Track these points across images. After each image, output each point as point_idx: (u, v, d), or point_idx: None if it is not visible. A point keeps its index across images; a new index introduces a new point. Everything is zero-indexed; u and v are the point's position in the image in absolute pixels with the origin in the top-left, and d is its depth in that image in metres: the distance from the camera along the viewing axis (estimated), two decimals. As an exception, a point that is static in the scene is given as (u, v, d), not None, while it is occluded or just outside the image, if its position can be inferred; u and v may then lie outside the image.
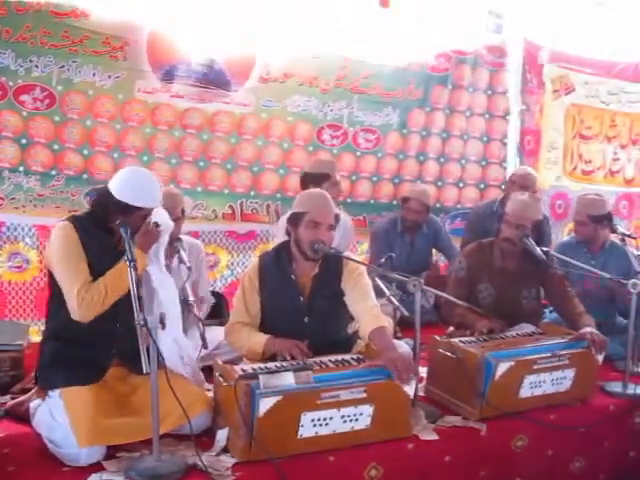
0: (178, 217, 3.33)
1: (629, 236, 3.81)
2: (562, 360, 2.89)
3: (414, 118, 5.35)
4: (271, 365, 2.59)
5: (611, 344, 3.12)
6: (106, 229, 2.58)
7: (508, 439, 2.81)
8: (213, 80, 4.58)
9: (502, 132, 5.69)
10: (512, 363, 2.76)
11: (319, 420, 2.36)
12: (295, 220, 2.87)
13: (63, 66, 4.15)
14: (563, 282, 3.47)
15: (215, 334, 3.26)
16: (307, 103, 4.92)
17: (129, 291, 2.22)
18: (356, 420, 2.44)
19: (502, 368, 2.73)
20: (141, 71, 4.37)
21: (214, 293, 4.00)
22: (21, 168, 4.16)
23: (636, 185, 6.37)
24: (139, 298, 2.22)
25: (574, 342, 3.01)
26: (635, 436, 3.13)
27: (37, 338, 3.54)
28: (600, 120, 6.09)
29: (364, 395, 2.41)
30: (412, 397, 2.61)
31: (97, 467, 2.29)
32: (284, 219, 3.13)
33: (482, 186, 5.69)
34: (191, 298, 3.04)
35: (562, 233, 5.86)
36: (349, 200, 5.20)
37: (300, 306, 2.89)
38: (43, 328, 2.99)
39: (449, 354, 2.91)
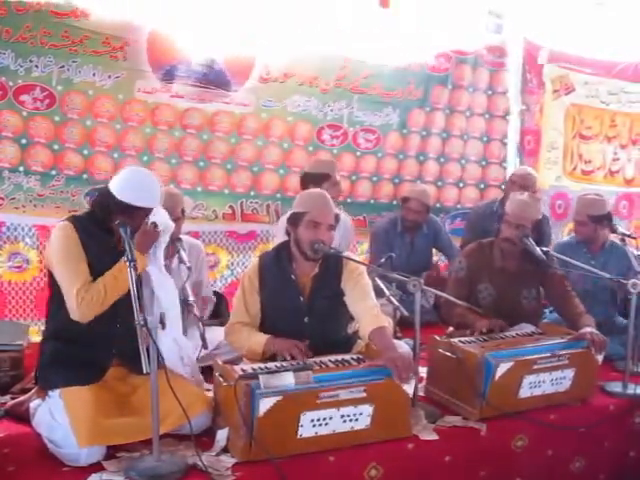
0: (178, 217, 3.33)
1: (629, 236, 3.82)
2: (561, 360, 2.89)
3: (414, 118, 5.35)
4: (271, 365, 2.59)
5: (611, 344, 3.13)
6: (106, 229, 2.58)
7: (508, 439, 2.81)
8: (213, 80, 4.57)
9: (502, 132, 5.69)
10: (512, 363, 2.76)
11: (319, 420, 2.36)
12: (295, 220, 2.87)
13: (63, 66, 4.15)
14: (563, 282, 3.47)
15: (215, 334, 3.26)
16: (307, 103, 4.92)
17: (129, 291, 2.22)
18: (356, 420, 2.44)
19: (502, 368, 2.73)
20: (141, 71, 4.36)
21: (214, 293, 4.00)
22: (21, 168, 4.16)
23: (636, 185, 6.37)
24: (139, 298, 2.22)
25: (574, 342, 3.01)
26: (635, 436, 3.13)
27: (37, 338, 3.54)
28: (600, 120, 6.09)
29: (364, 395, 2.41)
30: (412, 397, 2.61)
31: (97, 467, 2.29)
32: (284, 219, 3.13)
33: (482, 186, 5.69)
34: (191, 298, 3.04)
35: (562, 233, 5.85)
36: (349, 200, 5.19)
37: (300, 306, 2.89)
38: (43, 328, 2.99)
39: (449, 354, 2.91)
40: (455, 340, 3.01)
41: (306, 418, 2.34)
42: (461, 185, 5.65)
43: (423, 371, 3.06)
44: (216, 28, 4.47)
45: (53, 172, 4.25)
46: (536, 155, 5.83)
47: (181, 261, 3.17)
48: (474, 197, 5.66)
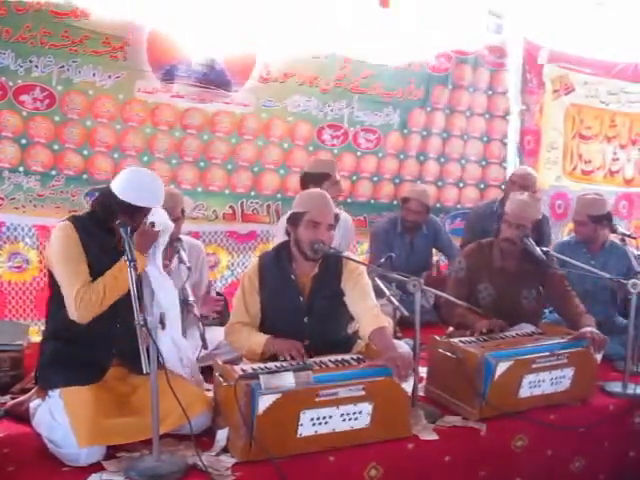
0: (178, 217, 3.33)
1: (629, 236, 3.82)
2: (560, 359, 2.89)
3: (414, 118, 5.35)
4: (271, 365, 2.59)
5: (611, 344, 3.13)
6: (106, 229, 2.57)
7: (508, 439, 2.81)
8: (213, 80, 4.57)
9: (502, 132, 5.69)
10: (511, 362, 2.76)
11: (318, 419, 2.37)
12: (295, 220, 2.87)
13: (63, 66, 4.15)
14: (563, 282, 3.47)
15: (215, 334, 3.26)
16: (307, 103, 4.92)
17: (129, 291, 2.22)
18: (355, 419, 2.44)
19: (501, 367, 2.73)
20: (141, 71, 4.36)
21: (215, 293, 4.00)
22: (21, 168, 4.16)
23: (636, 185, 6.37)
24: (139, 298, 2.22)
25: (573, 342, 3.01)
26: (635, 436, 3.13)
27: (37, 338, 3.54)
28: (600, 120, 6.09)
29: (363, 393, 2.41)
30: (412, 397, 2.61)
31: (97, 467, 2.30)
32: (284, 219, 3.13)
33: (482, 186, 5.69)
34: (191, 298, 3.03)
35: (562, 233, 5.86)
36: (349, 200, 5.20)
37: (300, 306, 2.89)
38: (43, 328, 3.00)
39: (449, 354, 2.91)
40: (455, 340, 3.01)
41: (306, 417, 2.34)
42: (461, 185, 5.65)
43: (423, 371, 3.07)
44: (216, 28, 4.47)
45: (53, 172, 4.25)
46: (536, 155, 5.83)
47: (181, 261, 3.17)
48: (474, 197, 5.66)
